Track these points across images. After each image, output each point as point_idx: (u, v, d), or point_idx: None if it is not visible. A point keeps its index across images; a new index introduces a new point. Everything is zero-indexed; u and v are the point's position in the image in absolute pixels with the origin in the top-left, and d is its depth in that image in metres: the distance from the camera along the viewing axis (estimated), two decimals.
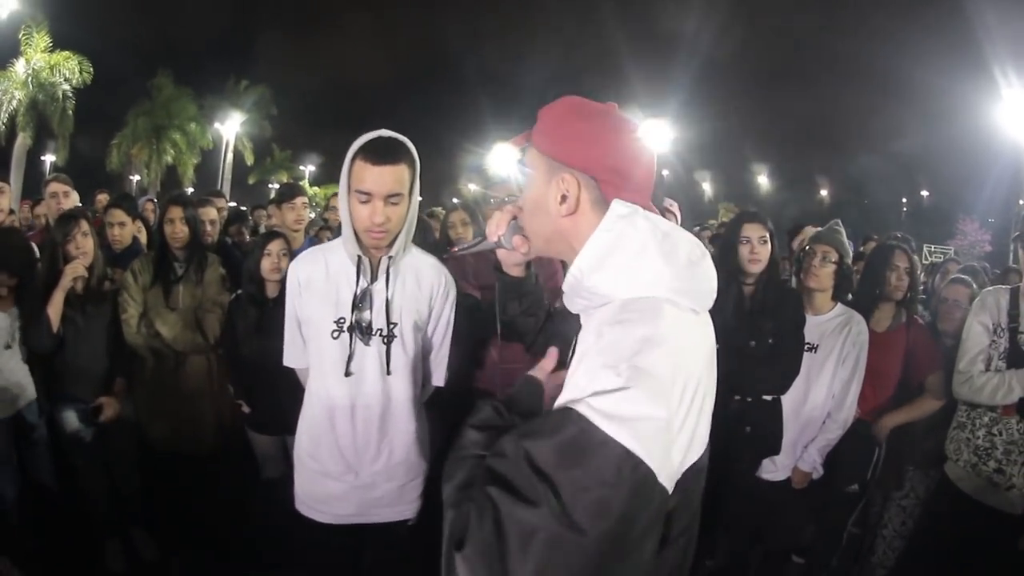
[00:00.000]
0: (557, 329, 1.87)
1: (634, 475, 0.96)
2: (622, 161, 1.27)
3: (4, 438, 3.49)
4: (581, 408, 1.00)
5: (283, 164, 42.71)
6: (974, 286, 3.83)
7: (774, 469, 3.40)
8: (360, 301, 2.23)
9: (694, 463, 1.12)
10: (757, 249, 3.17)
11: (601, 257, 1.22)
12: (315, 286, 2.27)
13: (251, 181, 40.92)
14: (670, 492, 1.04)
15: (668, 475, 1.02)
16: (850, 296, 3.68)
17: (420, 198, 2.18)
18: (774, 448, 3.28)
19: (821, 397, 3.34)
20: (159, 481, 3.82)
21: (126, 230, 4.30)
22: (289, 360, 2.42)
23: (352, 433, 2.27)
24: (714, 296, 1.26)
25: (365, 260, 2.23)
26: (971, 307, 3.26)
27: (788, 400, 3.26)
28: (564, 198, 1.26)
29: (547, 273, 3.16)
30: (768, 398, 3.22)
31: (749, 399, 3.19)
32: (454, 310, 2.45)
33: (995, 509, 3.01)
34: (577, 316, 1.34)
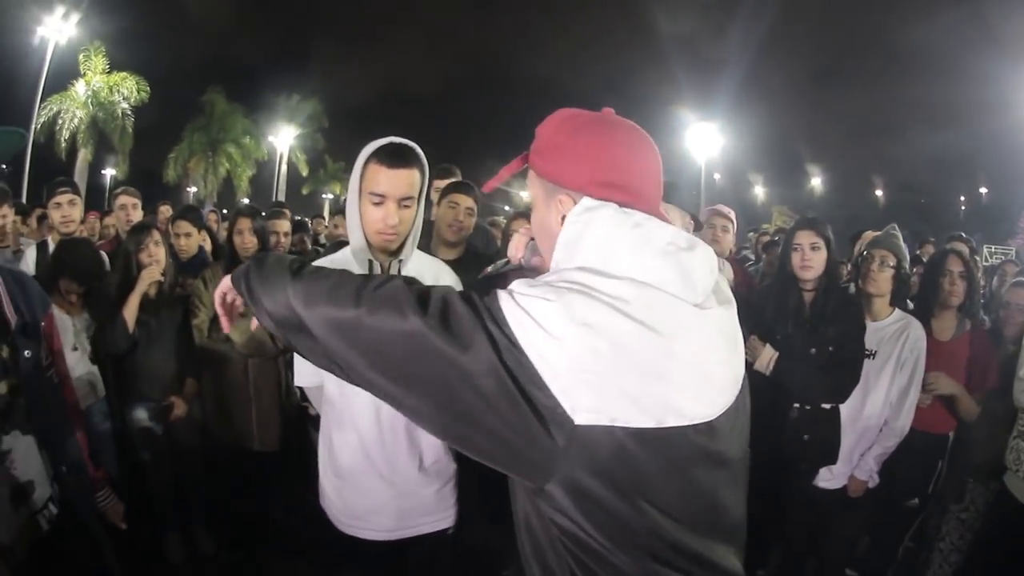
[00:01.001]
0: None
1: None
2: (614, 174, 1.24)
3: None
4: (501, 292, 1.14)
5: (336, 175, 43.43)
6: None
7: (830, 477, 3.36)
8: None
9: (639, 427, 1.08)
10: (808, 256, 3.14)
11: (570, 247, 1.23)
12: None
13: (305, 192, 41.73)
14: (567, 411, 1.06)
15: (561, 389, 1.06)
16: (909, 304, 3.62)
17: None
18: (831, 457, 3.24)
19: (879, 404, 3.30)
20: (224, 477, 3.95)
21: (192, 240, 4.53)
22: (301, 379, 2.38)
23: (381, 442, 2.22)
24: (700, 285, 1.19)
25: (376, 264, 2.24)
26: None
27: (846, 408, 3.22)
28: (564, 218, 1.25)
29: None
30: (827, 407, 3.19)
31: (808, 407, 3.17)
32: None
33: None
34: None
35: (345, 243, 3.79)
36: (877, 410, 3.30)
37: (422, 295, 1.15)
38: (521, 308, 1.09)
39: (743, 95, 42.10)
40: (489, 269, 1.96)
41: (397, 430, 2.22)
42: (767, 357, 3.10)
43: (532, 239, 1.55)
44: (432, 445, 2.29)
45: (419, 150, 2.18)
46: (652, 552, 1.13)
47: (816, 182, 53.37)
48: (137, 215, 5.04)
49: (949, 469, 3.55)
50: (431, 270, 2.38)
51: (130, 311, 3.58)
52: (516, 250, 1.67)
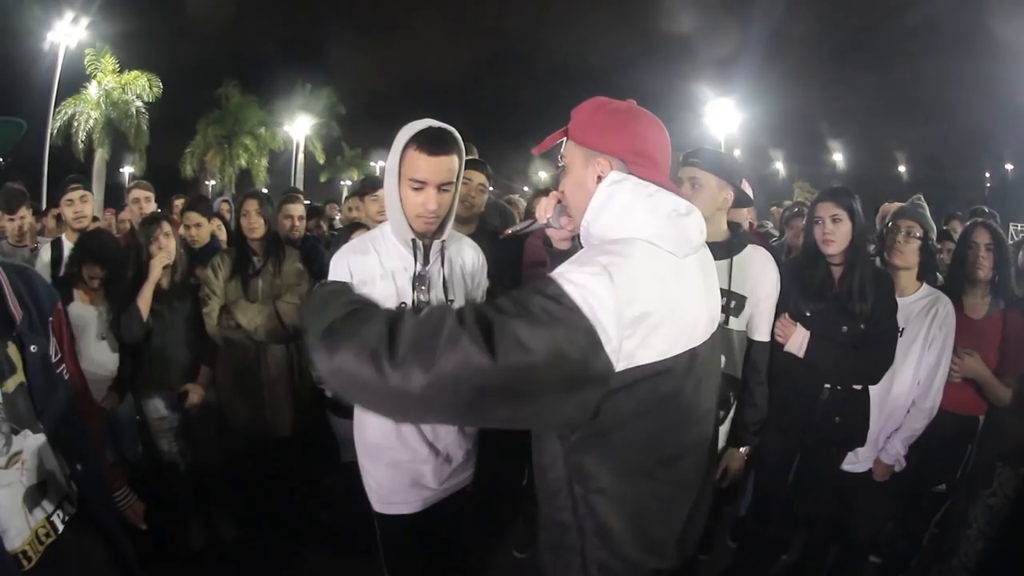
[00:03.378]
0: None
1: (577, 324, 1.25)
2: (644, 145, 1.58)
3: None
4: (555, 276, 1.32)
5: (353, 161, 43.67)
6: None
7: (855, 460, 3.26)
8: (420, 283, 2.30)
9: (652, 363, 1.35)
10: (829, 228, 2.98)
11: (598, 211, 1.54)
12: (370, 271, 2.29)
13: (322, 179, 41.96)
14: (615, 367, 1.29)
15: (612, 349, 1.28)
16: (940, 279, 3.50)
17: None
18: (858, 439, 3.13)
19: (907, 384, 3.17)
20: (242, 463, 3.97)
21: (202, 230, 4.54)
22: None
23: None
24: (695, 244, 1.55)
25: (420, 243, 2.29)
26: None
27: (873, 388, 3.11)
28: (600, 178, 1.57)
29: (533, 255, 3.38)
30: (858, 387, 3.07)
31: (839, 388, 3.04)
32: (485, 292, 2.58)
33: None
34: None
35: (359, 224, 3.77)
36: (905, 390, 3.18)
37: (483, 327, 1.22)
38: (578, 285, 1.28)
39: (761, 70, 41.56)
40: (509, 231, 2.07)
41: None
42: (799, 338, 2.98)
43: (559, 202, 1.79)
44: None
45: (456, 134, 2.22)
46: (647, 471, 1.45)
47: (838, 157, 52.51)
48: (150, 208, 5.11)
49: (978, 453, 3.41)
50: (463, 245, 2.52)
51: (144, 300, 3.63)
52: (545, 210, 1.85)
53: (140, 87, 25.90)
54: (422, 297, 2.29)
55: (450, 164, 2.17)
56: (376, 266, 2.29)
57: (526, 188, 34.19)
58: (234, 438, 3.89)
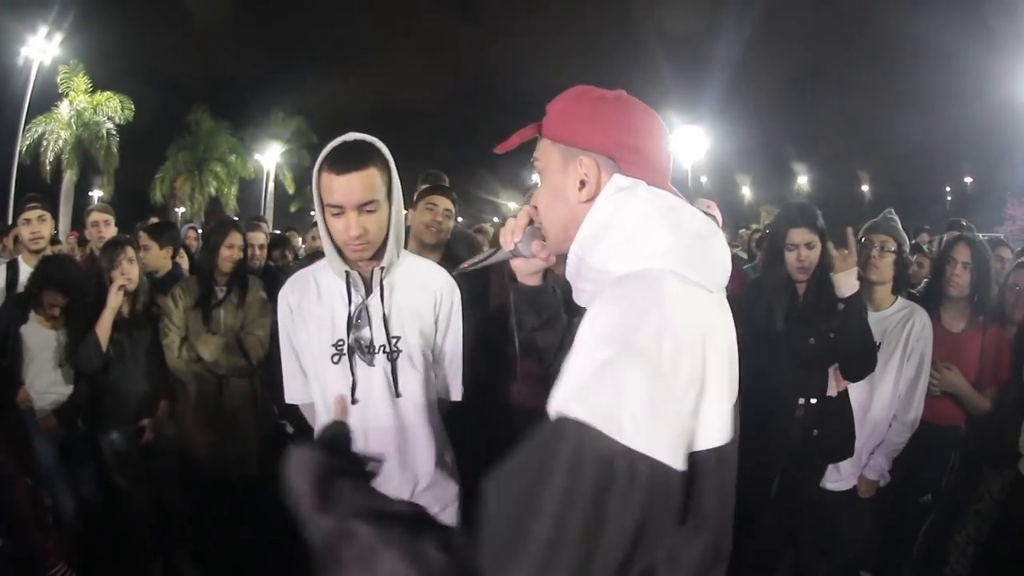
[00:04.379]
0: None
1: (635, 469, 0.88)
2: (639, 139, 1.21)
3: (56, 455, 3.64)
4: (573, 410, 0.90)
5: None
6: None
7: (839, 478, 3.23)
8: (357, 318, 2.06)
9: (715, 448, 1.01)
10: (804, 255, 2.95)
11: (601, 230, 1.16)
12: (308, 309, 2.11)
13: (293, 209, 41.55)
14: (680, 468, 0.92)
15: (669, 451, 0.91)
16: (917, 293, 3.50)
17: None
18: (847, 450, 3.07)
19: (886, 397, 3.16)
20: (205, 501, 3.81)
21: (150, 253, 4.35)
22: (291, 396, 2.24)
23: None
24: (727, 273, 1.17)
25: (355, 274, 2.07)
26: None
27: (853, 403, 3.07)
28: (583, 183, 1.20)
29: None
30: (834, 395, 3.02)
31: (814, 400, 2.99)
32: (461, 317, 2.28)
33: None
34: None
35: (322, 254, 3.69)
36: (885, 404, 3.16)
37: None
38: (606, 416, 0.90)
39: (728, 98, 42.67)
40: (465, 265, 1.59)
41: (385, 451, 2.02)
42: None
43: (531, 223, 1.39)
44: (427, 470, 2.15)
45: (376, 144, 2.00)
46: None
47: (803, 180, 54.13)
48: (109, 231, 4.88)
49: (962, 460, 3.43)
50: (420, 272, 2.23)
51: (103, 329, 3.50)
52: (513, 233, 1.43)
53: (112, 108, 25.73)
54: (362, 334, 2.07)
55: (367, 180, 1.91)
56: (314, 301, 2.11)
57: (495, 219, 34.31)
58: (197, 475, 3.73)
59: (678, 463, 0.92)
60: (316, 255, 3.73)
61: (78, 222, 19.30)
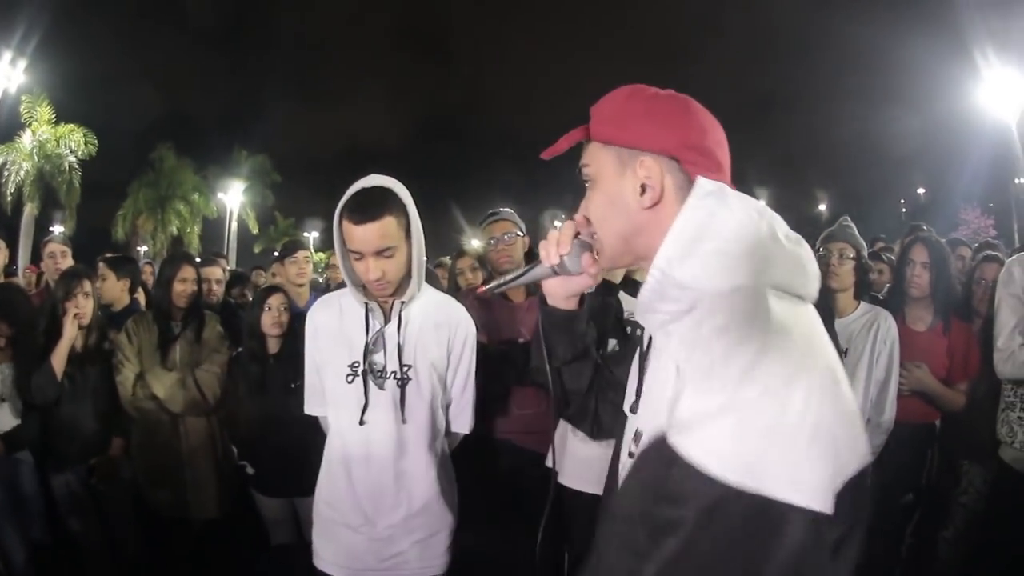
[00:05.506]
0: (612, 378, 1.55)
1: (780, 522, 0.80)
2: (702, 138, 1.10)
3: (4, 497, 3.44)
4: (694, 452, 0.83)
5: (287, 231, 42.84)
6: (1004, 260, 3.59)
7: None
8: (372, 344, 2.19)
9: (856, 472, 0.86)
10: None
11: (691, 241, 1.00)
12: (330, 330, 2.25)
13: (256, 249, 41.14)
14: (830, 511, 0.81)
15: (814, 493, 0.80)
16: (881, 296, 3.57)
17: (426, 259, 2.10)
18: None
19: (858, 402, 3.17)
20: (164, 547, 3.67)
21: (107, 284, 4.25)
22: (310, 407, 2.37)
23: (368, 482, 2.18)
24: (819, 283, 1.05)
25: (374, 304, 2.19)
26: (998, 281, 3.04)
27: None
28: (644, 188, 1.07)
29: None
30: None
31: None
32: (475, 352, 2.36)
33: None
34: (634, 352, 1.20)
35: (274, 288, 3.63)
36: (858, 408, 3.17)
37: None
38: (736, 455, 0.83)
39: None
40: (490, 285, 1.43)
41: (385, 473, 2.19)
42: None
43: (579, 234, 1.22)
44: (422, 494, 2.23)
45: (396, 190, 2.11)
46: None
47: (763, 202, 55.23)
48: (66, 263, 4.79)
49: (941, 456, 3.49)
50: (438, 306, 2.32)
51: (59, 359, 3.42)
52: (559, 246, 1.24)
53: (75, 141, 25.27)
54: (375, 359, 2.19)
55: (383, 230, 2.02)
56: (336, 323, 2.24)
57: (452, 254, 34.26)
58: (153, 517, 3.62)
59: (828, 506, 0.81)
60: (270, 290, 3.65)
61: (37, 257, 18.90)
